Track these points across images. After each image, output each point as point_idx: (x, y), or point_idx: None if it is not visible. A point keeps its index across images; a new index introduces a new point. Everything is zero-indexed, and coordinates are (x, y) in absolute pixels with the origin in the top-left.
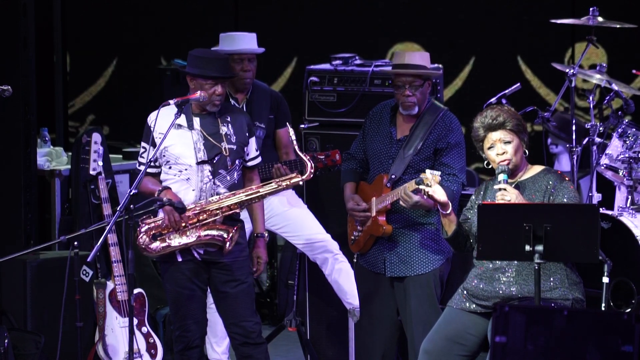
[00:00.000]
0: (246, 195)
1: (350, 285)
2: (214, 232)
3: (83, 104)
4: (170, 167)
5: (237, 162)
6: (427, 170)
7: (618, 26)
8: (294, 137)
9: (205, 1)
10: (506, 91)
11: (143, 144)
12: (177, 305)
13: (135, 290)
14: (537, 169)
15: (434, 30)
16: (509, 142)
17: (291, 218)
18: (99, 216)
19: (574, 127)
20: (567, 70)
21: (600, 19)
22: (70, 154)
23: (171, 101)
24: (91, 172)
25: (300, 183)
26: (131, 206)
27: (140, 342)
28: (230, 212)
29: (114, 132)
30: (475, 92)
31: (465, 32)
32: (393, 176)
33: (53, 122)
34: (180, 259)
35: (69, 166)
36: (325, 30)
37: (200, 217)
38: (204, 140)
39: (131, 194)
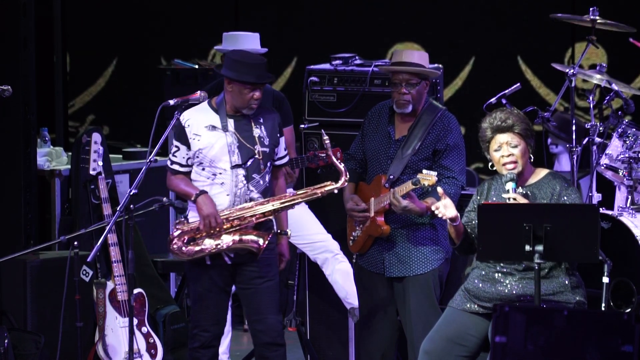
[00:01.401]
0: (281, 203)
1: (350, 285)
2: (249, 238)
3: (83, 104)
4: (203, 169)
5: (268, 164)
6: (424, 171)
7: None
8: (328, 143)
9: (205, 1)
10: (506, 91)
11: (176, 142)
12: (199, 305)
13: (135, 290)
14: (541, 172)
15: (434, 30)
16: (516, 146)
17: (292, 218)
18: (99, 216)
19: (574, 127)
20: (567, 70)
21: (600, 19)
22: (70, 154)
23: (171, 101)
24: (91, 172)
25: (335, 191)
26: (131, 206)
27: (140, 342)
28: (264, 219)
29: (114, 132)
30: (475, 92)
31: (465, 32)
32: (391, 176)
33: (53, 122)
34: (209, 262)
35: (69, 166)
36: (325, 30)
37: (234, 223)
38: (238, 143)
39: (131, 194)
